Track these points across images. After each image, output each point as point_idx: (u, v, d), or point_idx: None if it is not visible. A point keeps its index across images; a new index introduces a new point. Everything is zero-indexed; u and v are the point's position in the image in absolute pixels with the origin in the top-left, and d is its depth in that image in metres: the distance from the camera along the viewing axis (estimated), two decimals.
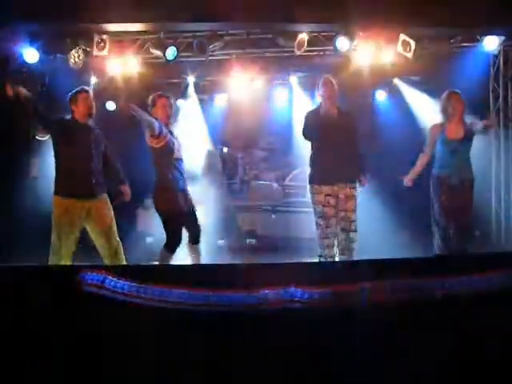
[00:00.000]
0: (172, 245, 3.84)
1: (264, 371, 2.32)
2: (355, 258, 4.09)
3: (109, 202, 3.86)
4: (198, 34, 5.57)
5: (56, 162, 3.80)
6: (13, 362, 2.38)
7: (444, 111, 4.21)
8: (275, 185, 7.13)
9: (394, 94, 6.75)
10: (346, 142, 4.06)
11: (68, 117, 3.86)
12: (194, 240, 3.95)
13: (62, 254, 3.68)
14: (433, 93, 6.05)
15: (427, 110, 6.11)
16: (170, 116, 3.96)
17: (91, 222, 3.78)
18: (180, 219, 3.85)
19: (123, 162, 4.17)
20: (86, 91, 3.84)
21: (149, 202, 5.83)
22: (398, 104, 6.71)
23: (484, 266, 2.67)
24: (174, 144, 3.89)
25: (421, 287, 2.56)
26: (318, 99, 4.22)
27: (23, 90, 3.71)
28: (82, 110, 3.77)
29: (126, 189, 4.00)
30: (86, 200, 3.72)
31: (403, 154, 5.80)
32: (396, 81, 6.65)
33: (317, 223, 4.09)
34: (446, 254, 4.11)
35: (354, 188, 4.10)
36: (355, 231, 4.06)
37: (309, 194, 4.21)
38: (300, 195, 6.46)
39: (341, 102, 4.23)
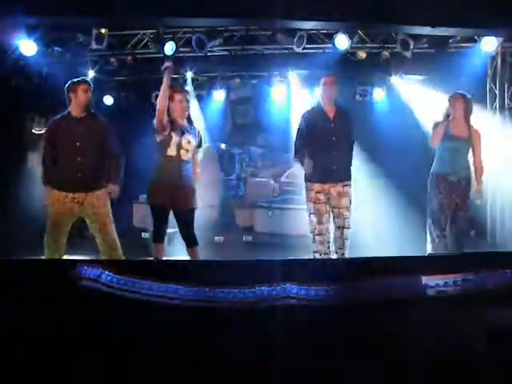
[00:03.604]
0: (153, 235, 3.94)
1: (260, 368, 2.33)
2: (351, 255, 4.12)
3: (105, 198, 3.78)
4: (197, 29, 5.57)
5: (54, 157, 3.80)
6: (7, 359, 2.37)
7: (447, 110, 4.27)
8: (272, 182, 7.15)
9: (392, 92, 6.75)
10: (341, 141, 4.09)
11: (62, 114, 3.78)
12: (187, 243, 3.93)
13: (54, 247, 3.67)
14: (430, 92, 6.08)
15: (424, 108, 6.13)
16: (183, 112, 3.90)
17: (86, 216, 3.77)
18: (161, 209, 3.87)
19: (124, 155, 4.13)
20: (85, 82, 3.78)
21: (145, 197, 5.86)
22: (396, 102, 6.71)
23: (479, 265, 2.69)
24: (171, 141, 3.83)
25: (414, 286, 2.58)
26: (318, 98, 4.23)
27: None
28: (80, 102, 3.69)
29: (113, 189, 3.80)
30: (75, 193, 3.68)
31: (401, 151, 5.83)
32: (394, 79, 6.65)
33: (310, 220, 4.13)
34: (441, 252, 4.13)
35: (348, 185, 4.11)
36: (349, 228, 4.10)
37: (304, 192, 4.25)
38: (296, 192, 6.47)
39: (339, 101, 4.24)
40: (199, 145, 4.03)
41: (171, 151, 3.82)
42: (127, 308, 2.50)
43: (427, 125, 4.76)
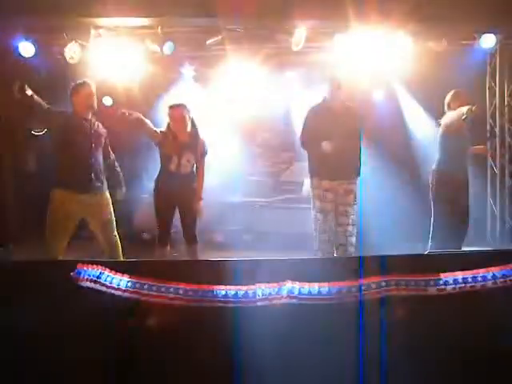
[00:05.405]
0: (158, 237, 4.02)
1: (261, 367, 2.33)
2: (353, 252, 4.12)
3: (109, 198, 3.86)
4: (195, 28, 5.56)
5: (56, 156, 3.79)
6: (7, 359, 2.37)
7: (448, 109, 4.27)
8: (271, 181, 7.14)
9: (391, 93, 6.73)
10: (349, 136, 4.06)
11: (68, 110, 3.80)
12: (187, 241, 3.98)
13: (56, 247, 3.69)
14: (430, 90, 6.07)
15: (424, 107, 6.14)
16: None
17: (89, 216, 3.79)
18: (164, 214, 3.96)
19: (120, 157, 4.16)
20: (88, 84, 3.80)
21: (145, 197, 5.86)
22: (395, 103, 6.70)
23: (479, 263, 2.69)
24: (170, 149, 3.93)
25: (415, 284, 2.58)
26: (324, 94, 4.22)
27: (28, 90, 3.60)
28: (83, 103, 3.72)
29: (119, 192, 4.00)
30: (83, 194, 3.71)
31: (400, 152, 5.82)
32: (393, 79, 6.63)
33: (315, 217, 4.12)
34: (441, 250, 4.13)
35: (354, 183, 4.12)
36: (353, 225, 4.09)
37: (309, 188, 4.24)
38: (296, 191, 6.47)
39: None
40: (203, 155, 4.06)
41: (172, 167, 3.96)
42: (127, 308, 2.50)
43: (427, 125, 4.75)
